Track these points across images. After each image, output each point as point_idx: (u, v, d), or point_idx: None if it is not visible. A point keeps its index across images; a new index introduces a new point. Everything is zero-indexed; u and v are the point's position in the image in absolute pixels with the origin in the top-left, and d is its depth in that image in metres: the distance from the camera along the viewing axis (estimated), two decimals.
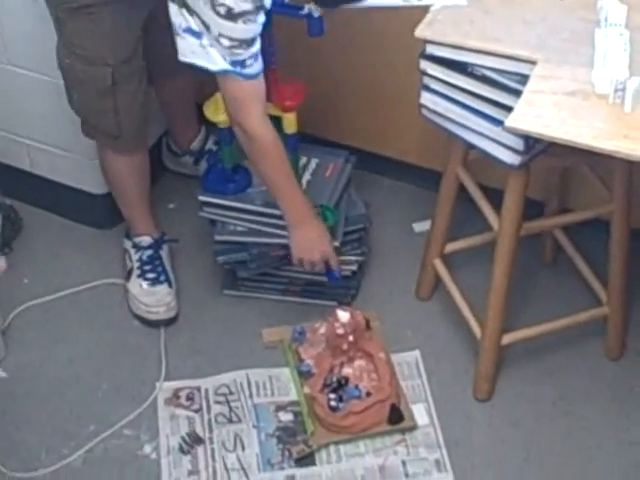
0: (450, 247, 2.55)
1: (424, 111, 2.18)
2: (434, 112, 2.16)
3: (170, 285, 2.64)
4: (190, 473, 2.34)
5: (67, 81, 2.38)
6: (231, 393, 2.48)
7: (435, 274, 2.58)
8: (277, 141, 2.23)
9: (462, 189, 2.39)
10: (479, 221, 2.38)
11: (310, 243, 2.39)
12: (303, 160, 2.57)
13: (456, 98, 2.10)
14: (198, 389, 2.49)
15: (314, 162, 2.58)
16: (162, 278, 2.63)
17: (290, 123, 2.39)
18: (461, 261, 2.63)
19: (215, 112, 2.41)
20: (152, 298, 2.61)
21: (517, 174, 2.11)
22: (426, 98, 2.15)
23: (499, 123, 2.00)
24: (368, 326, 2.50)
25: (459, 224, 2.58)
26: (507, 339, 2.39)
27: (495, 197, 2.26)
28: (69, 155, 2.74)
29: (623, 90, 1.84)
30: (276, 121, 2.28)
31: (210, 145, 2.90)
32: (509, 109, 1.92)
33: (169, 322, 2.63)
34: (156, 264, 2.65)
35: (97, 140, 2.52)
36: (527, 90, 1.91)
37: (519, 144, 2.02)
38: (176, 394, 2.48)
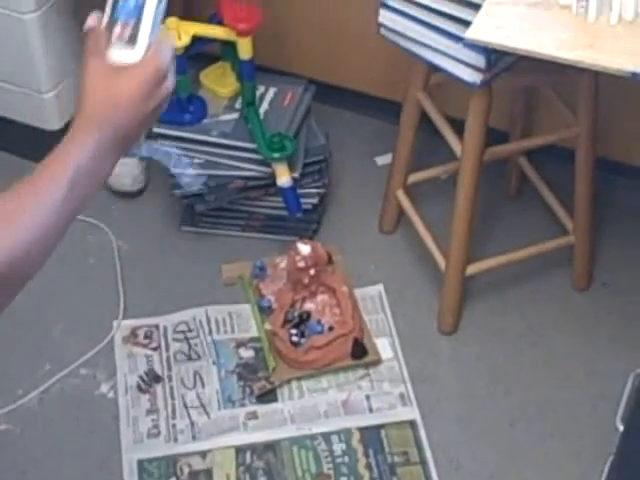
0: (413, 178, 2.49)
1: (383, 30, 2.13)
2: (393, 31, 2.10)
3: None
4: (149, 412, 2.28)
5: None
6: (190, 330, 2.43)
7: (398, 206, 2.52)
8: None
9: (424, 120, 2.34)
10: (442, 153, 2.34)
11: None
12: (260, 89, 2.49)
13: (415, 15, 2.05)
14: (156, 327, 2.43)
15: (272, 91, 2.50)
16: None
17: (245, 48, 2.30)
18: (425, 194, 2.58)
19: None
20: (120, 168, 2.51)
21: (479, 94, 2.05)
22: (384, 16, 2.10)
23: (459, 40, 1.95)
24: (330, 260, 2.45)
25: (422, 156, 2.53)
26: (471, 269, 2.35)
27: (458, 128, 2.20)
28: (20, 90, 2.65)
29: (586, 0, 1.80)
30: (230, 46, 2.20)
31: None
32: (470, 24, 1.86)
33: (134, 195, 2.65)
34: None
35: None
36: (488, 2, 1.86)
37: (480, 61, 1.97)
38: (134, 332, 2.42)
